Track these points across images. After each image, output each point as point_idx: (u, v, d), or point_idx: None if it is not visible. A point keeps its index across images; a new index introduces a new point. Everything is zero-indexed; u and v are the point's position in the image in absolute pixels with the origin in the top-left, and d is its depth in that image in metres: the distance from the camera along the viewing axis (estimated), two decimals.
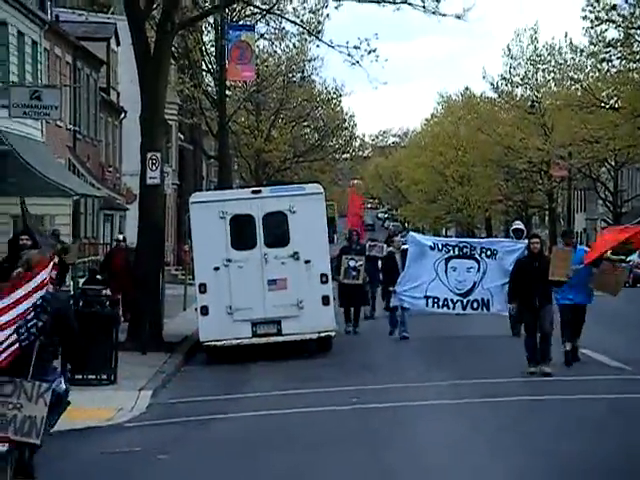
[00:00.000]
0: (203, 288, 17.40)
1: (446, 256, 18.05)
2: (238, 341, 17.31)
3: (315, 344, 17.69)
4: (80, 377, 14.37)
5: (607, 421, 11.04)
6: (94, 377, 14.45)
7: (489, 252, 17.89)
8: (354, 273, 20.25)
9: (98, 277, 19.25)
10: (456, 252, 18.09)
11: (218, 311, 17.22)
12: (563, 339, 14.85)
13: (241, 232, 17.54)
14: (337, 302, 19.47)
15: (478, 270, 17.83)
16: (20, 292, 8.48)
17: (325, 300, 17.32)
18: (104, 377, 14.48)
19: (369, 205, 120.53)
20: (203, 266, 17.50)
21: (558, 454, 9.41)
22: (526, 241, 15.86)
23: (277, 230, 17.54)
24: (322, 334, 17.36)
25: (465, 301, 17.81)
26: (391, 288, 18.91)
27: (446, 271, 17.92)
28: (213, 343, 17.31)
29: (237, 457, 9.93)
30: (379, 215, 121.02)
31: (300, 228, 17.28)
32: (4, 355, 8.30)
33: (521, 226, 20.02)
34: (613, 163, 51.65)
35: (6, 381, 8.29)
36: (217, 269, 17.36)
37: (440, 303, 17.74)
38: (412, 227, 78.14)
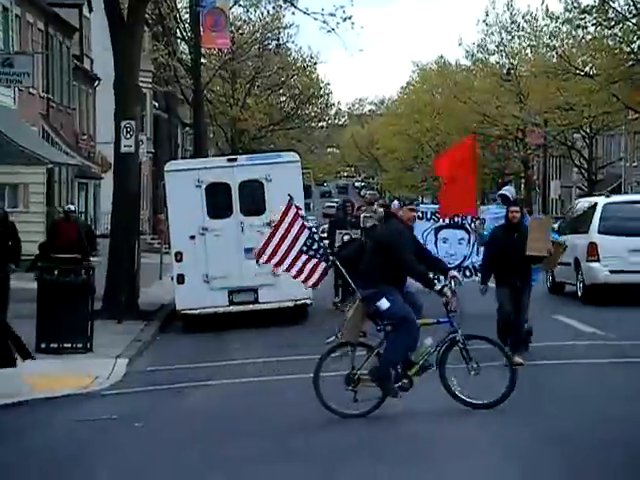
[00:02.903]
0: (179, 257, 17.36)
1: (435, 226, 16.95)
2: (215, 309, 17.31)
3: (291, 312, 17.72)
4: (56, 346, 14.36)
5: (583, 385, 11.15)
6: (70, 346, 14.42)
7: (479, 222, 16.53)
8: None
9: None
10: (446, 221, 16.99)
11: (194, 280, 17.21)
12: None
13: (217, 201, 17.48)
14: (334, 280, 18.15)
15: (469, 242, 16.89)
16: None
17: None
18: (80, 346, 14.45)
19: (345, 173, 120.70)
20: (179, 235, 17.45)
21: (537, 420, 9.50)
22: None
23: (253, 198, 17.49)
24: (298, 302, 17.40)
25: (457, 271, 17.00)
26: None
27: (436, 242, 16.88)
28: (190, 311, 17.31)
29: (213, 424, 9.96)
30: (355, 184, 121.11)
31: (276, 196, 17.20)
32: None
33: (508, 193, 17.69)
34: (588, 130, 51.82)
35: None
36: (193, 238, 17.32)
37: None
38: (391, 196, 78.14)
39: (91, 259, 17.85)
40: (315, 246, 11.05)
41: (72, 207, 20.31)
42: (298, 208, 11.13)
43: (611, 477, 7.68)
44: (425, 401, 9.91)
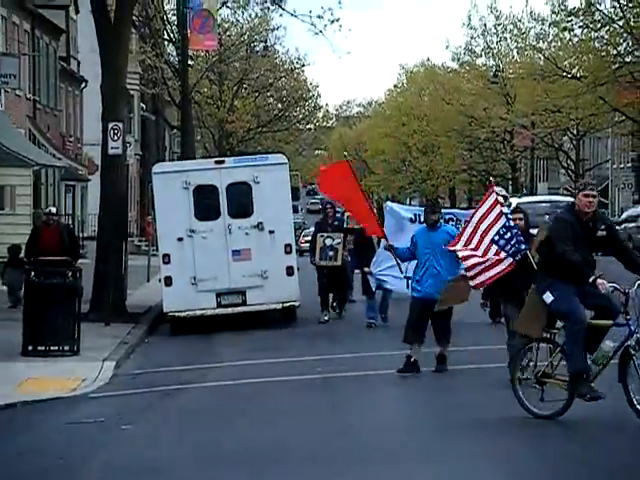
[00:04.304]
0: (167, 259, 17.33)
1: None
2: (202, 311, 17.28)
3: (279, 314, 17.70)
4: (43, 348, 14.30)
5: None
6: (57, 348, 14.35)
7: None
8: (331, 253, 17.32)
9: (22, 257, 18.30)
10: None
11: (182, 282, 17.18)
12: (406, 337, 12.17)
13: (205, 203, 17.46)
14: (317, 288, 17.73)
15: None
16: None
17: (289, 270, 17.32)
18: (67, 348, 14.39)
19: None
20: (167, 237, 17.41)
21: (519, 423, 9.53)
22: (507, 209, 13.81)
23: (241, 200, 17.47)
24: (286, 304, 17.39)
25: None
26: (366, 269, 16.13)
27: None
28: (177, 314, 17.28)
29: (201, 427, 9.93)
30: None
31: (264, 198, 17.23)
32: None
33: (505, 193, 17.05)
34: (575, 132, 51.98)
35: None
36: (181, 240, 17.28)
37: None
38: (385, 198, 78.16)
39: (74, 262, 17.44)
40: (508, 235, 10.16)
41: (53, 210, 19.97)
42: (498, 194, 10.41)
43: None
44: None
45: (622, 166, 56.75)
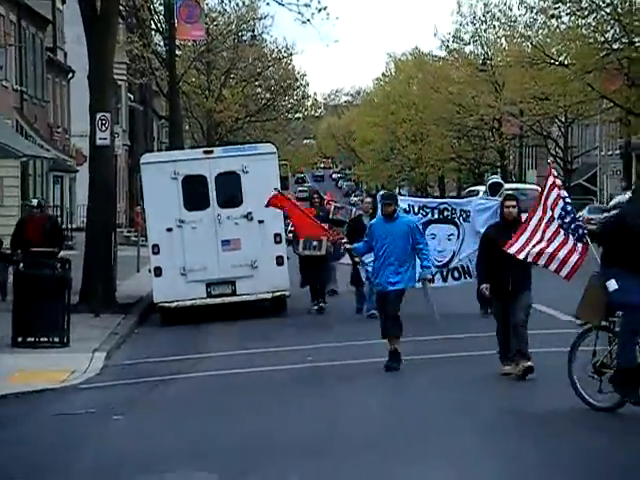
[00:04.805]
0: (156, 249, 17.29)
1: (423, 220, 15.40)
2: (192, 302, 17.27)
3: (270, 304, 17.70)
4: (32, 340, 14.27)
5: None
6: (46, 340, 14.33)
7: (465, 215, 15.67)
8: (315, 243, 17.05)
9: (7, 251, 18.12)
10: (435, 215, 15.70)
11: (172, 272, 17.15)
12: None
13: (194, 193, 17.41)
14: (300, 280, 17.59)
15: (458, 237, 15.67)
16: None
17: (279, 260, 17.31)
18: (56, 339, 14.36)
19: (322, 165, 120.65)
20: (156, 227, 17.38)
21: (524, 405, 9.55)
22: (500, 199, 12.92)
23: (230, 190, 17.43)
24: (276, 294, 17.38)
25: (445, 271, 15.69)
26: (357, 259, 15.44)
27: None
28: (167, 304, 17.26)
29: (192, 417, 9.94)
30: (333, 175, 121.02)
31: (253, 188, 17.19)
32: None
33: (499, 179, 16.90)
34: (563, 119, 52.05)
35: None
36: (170, 230, 17.25)
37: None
38: (371, 188, 78.22)
39: (57, 252, 17.16)
40: (568, 219, 9.69)
41: (35, 201, 19.67)
42: (556, 177, 9.89)
43: None
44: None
45: (610, 153, 56.84)
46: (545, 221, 9.78)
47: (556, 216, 9.70)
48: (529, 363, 10.63)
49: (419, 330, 12.46)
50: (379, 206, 12.80)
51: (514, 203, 10.96)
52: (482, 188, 22.30)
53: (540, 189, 10.23)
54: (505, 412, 9.42)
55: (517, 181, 49.56)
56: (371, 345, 13.08)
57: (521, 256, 9.92)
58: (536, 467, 7.56)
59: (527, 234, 9.87)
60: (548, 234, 9.74)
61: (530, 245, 9.82)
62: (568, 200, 9.97)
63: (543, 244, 9.76)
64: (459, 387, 10.64)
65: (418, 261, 11.91)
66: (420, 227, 12.53)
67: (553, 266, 9.80)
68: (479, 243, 11.51)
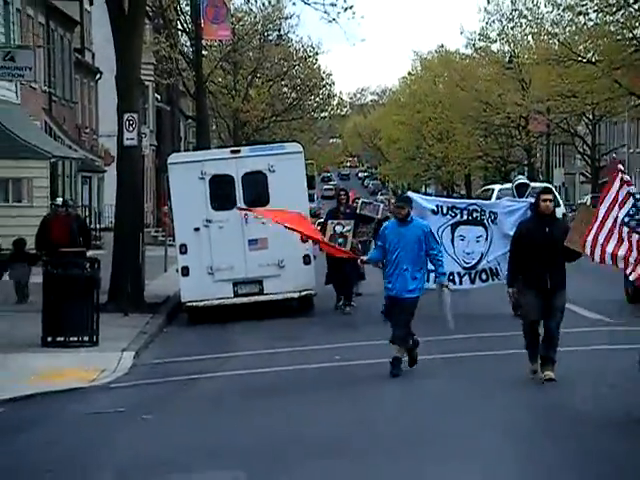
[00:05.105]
0: (184, 249, 17.37)
1: (452, 221, 15.31)
2: (219, 301, 17.33)
3: (297, 303, 17.73)
4: (62, 339, 14.38)
5: (593, 370, 11.16)
6: (76, 339, 14.43)
7: (494, 216, 15.45)
8: (340, 240, 16.79)
9: (31, 251, 18.19)
10: (464, 217, 15.45)
11: (199, 272, 17.22)
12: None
13: (221, 192, 17.47)
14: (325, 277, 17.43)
15: (486, 239, 15.46)
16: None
17: (306, 259, 17.33)
18: (86, 339, 14.46)
19: (348, 164, 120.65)
20: (183, 227, 17.46)
21: (548, 404, 9.52)
22: (530, 199, 12.85)
23: (257, 190, 17.47)
24: (303, 293, 17.40)
25: (473, 273, 15.50)
26: (380, 265, 14.95)
27: (452, 240, 15.36)
28: (194, 303, 17.32)
29: (220, 416, 9.97)
30: (359, 174, 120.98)
31: (280, 187, 17.23)
32: None
33: (526, 180, 16.74)
34: (591, 117, 51.76)
35: None
36: (197, 230, 17.32)
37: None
38: (397, 187, 78.14)
39: (85, 252, 17.39)
40: (639, 216, 9.17)
41: (59, 200, 19.73)
42: (623, 172, 9.38)
43: None
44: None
45: (639, 150, 56.43)
46: (617, 220, 9.28)
47: (621, 215, 9.23)
48: (551, 375, 10.36)
49: (459, 328, 12.25)
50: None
51: (551, 197, 10.62)
52: (497, 187, 22.07)
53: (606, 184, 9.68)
54: (532, 412, 9.38)
55: (544, 180, 49.30)
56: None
57: (609, 262, 9.31)
58: (560, 470, 7.53)
59: (603, 233, 9.36)
60: (624, 235, 9.24)
61: (610, 246, 9.28)
62: (638, 196, 9.38)
63: (624, 249, 9.20)
64: (490, 387, 10.61)
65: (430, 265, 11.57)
66: (434, 232, 12.09)
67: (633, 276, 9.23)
68: (511, 242, 10.94)
